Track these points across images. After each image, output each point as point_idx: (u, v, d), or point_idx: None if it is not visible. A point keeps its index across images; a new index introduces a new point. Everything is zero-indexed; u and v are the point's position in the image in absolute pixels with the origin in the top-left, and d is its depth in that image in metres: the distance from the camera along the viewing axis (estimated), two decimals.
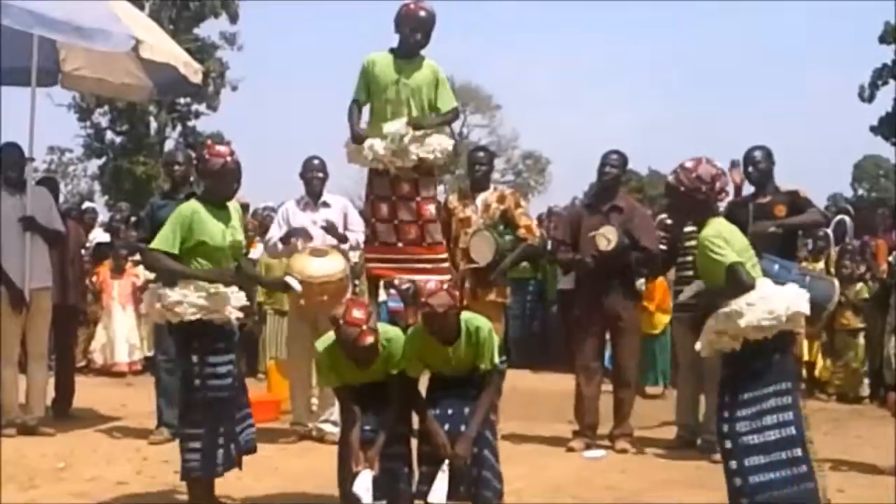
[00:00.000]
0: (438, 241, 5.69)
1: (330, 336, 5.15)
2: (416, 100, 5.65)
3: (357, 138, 5.68)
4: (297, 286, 5.69)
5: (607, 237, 7.17)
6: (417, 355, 5.14)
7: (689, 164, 4.86)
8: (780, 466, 4.64)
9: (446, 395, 5.14)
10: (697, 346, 4.91)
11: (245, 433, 5.52)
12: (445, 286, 4.93)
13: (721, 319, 4.71)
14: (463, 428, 5.01)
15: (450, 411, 5.08)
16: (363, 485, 4.90)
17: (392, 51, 5.73)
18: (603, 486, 6.17)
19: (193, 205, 5.36)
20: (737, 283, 4.68)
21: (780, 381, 4.72)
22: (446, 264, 5.75)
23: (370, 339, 4.89)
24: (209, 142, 5.49)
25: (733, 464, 4.66)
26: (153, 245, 5.33)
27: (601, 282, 7.40)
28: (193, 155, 5.61)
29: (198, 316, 5.24)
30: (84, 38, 7.27)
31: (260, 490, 5.95)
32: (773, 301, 4.69)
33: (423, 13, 5.65)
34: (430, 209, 5.65)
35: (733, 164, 7.16)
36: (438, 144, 5.67)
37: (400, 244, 5.63)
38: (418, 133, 5.59)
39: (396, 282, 7.25)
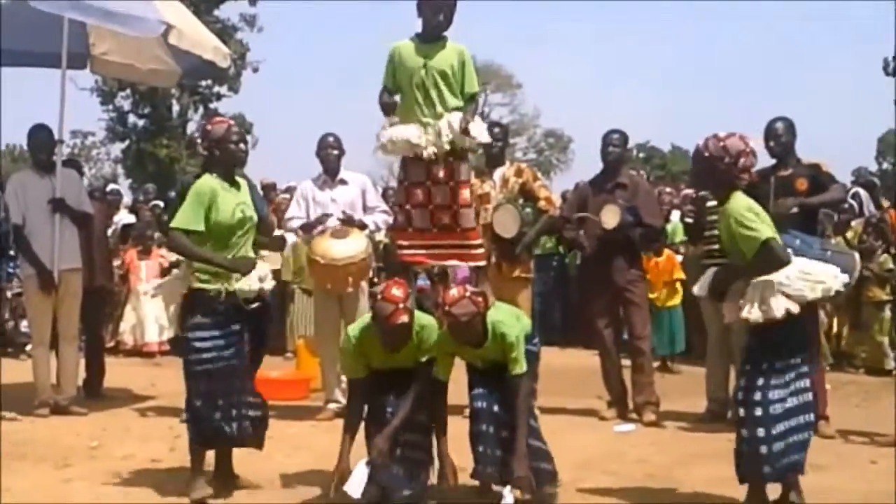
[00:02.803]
0: (472, 227, 5.64)
1: (363, 319, 5.16)
2: (445, 82, 5.59)
3: (387, 108, 5.63)
4: (292, 238, 5.65)
5: (607, 218, 7.24)
6: (450, 355, 5.13)
7: (721, 134, 4.89)
8: (798, 430, 4.77)
9: (487, 385, 5.11)
10: (727, 316, 4.90)
11: (243, 420, 5.44)
12: (468, 293, 4.89)
13: (763, 289, 4.69)
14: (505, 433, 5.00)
15: (496, 409, 5.07)
16: (357, 479, 4.96)
17: (417, 35, 5.72)
18: (634, 460, 6.17)
19: (210, 181, 5.36)
20: (773, 258, 4.70)
21: (804, 350, 4.84)
22: (480, 250, 5.70)
23: (404, 318, 4.91)
24: (209, 117, 5.51)
25: (761, 431, 4.71)
26: (174, 224, 5.34)
27: (607, 258, 7.50)
28: (196, 134, 5.62)
29: (183, 290, 5.31)
30: (115, 22, 7.29)
31: (291, 467, 5.98)
32: (818, 274, 4.74)
33: None
34: (465, 194, 5.60)
35: None
36: (477, 130, 5.63)
37: (434, 230, 5.59)
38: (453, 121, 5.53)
39: None
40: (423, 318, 5.18)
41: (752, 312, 4.73)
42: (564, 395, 8.04)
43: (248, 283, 5.40)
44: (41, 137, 7.76)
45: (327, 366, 7.67)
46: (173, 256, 10.65)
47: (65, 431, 7.03)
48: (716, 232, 7.16)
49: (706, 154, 4.86)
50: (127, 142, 35.42)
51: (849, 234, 10.60)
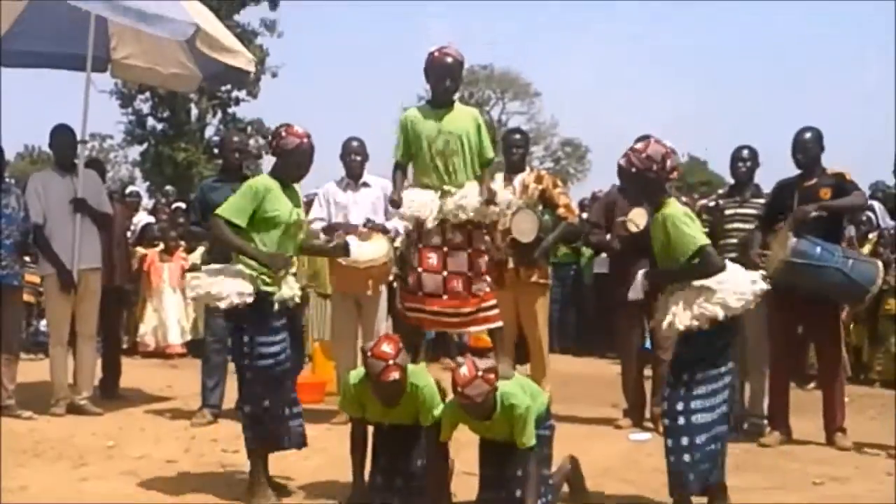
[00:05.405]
0: (484, 293, 5.54)
1: (361, 370, 5.16)
2: (464, 148, 5.58)
3: (395, 204, 5.65)
4: (355, 245, 5.75)
5: (636, 220, 7.22)
6: (454, 425, 5.06)
7: (638, 146, 4.98)
8: (716, 440, 4.89)
9: (497, 459, 5.04)
10: (665, 323, 4.96)
11: (294, 423, 5.51)
12: (480, 371, 4.76)
13: (695, 296, 4.82)
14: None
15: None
16: None
17: (428, 102, 5.73)
18: (651, 469, 6.13)
19: (266, 180, 5.38)
20: (709, 264, 4.85)
21: (729, 361, 4.94)
22: (495, 311, 5.59)
23: (395, 375, 4.88)
24: (289, 124, 5.49)
25: (684, 440, 4.84)
26: (220, 211, 5.30)
27: (633, 264, 7.40)
28: (271, 135, 5.64)
29: (245, 300, 5.20)
30: (148, 23, 7.28)
31: (307, 469, 6.01)
32: (740, 283, 4.88)
33: (448, 59, 5.58)
34: (480, 263, 5.56)
35: None
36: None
37: (445, 297, 5.50)
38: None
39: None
40: (420, 378, 5.11)
41: (677, 320, 4.85)
42: (579, 403, 8.03)
43: (292, 287, 5.46)
44: (63, 137, 7.80)
45: (343, 369, 7.65)
46: (194, 258, 10.74)
47: (81, 430, 7.06)
48: (732, 240, 7.26)
49: (634, 170, 4.94)
50: (145, 145, 35.52)
51: (866, 248, 10.56)
